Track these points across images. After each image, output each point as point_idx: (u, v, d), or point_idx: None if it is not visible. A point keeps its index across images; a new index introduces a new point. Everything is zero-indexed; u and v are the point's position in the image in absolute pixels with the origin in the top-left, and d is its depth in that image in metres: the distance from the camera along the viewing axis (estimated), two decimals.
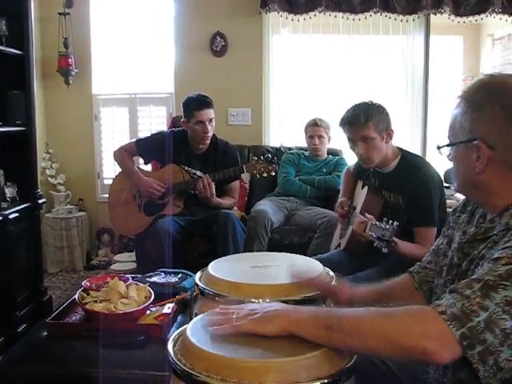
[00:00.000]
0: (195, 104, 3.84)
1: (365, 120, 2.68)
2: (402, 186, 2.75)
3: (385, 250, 2.42)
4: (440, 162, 3.36)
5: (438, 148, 1.50)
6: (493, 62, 5.44)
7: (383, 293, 1.75)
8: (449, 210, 2.62)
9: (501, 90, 1.35)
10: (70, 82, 5.13)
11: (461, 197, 2.31)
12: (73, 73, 5.12)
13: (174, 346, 1.28)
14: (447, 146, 1.47)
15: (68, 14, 5.04)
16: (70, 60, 5.07)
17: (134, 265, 4.40)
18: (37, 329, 2.39)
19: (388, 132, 2.76)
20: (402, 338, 1.14)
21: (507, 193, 1.36)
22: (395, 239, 2.44)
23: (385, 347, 1.17)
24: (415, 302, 1.66)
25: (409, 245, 2.59)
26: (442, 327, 1.12)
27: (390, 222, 2.39)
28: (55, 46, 5.06)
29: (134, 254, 4.44)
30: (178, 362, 1.20)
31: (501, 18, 4.93)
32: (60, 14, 5.02)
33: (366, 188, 2.93)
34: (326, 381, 1.15)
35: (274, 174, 3.80)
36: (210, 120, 3.84)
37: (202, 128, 3.83)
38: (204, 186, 3.69)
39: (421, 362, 1.50)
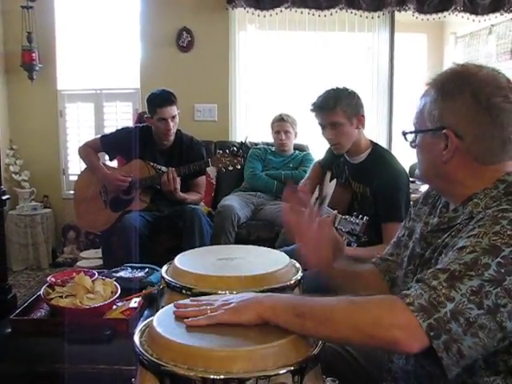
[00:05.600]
0: (157, 101, 3.82)
1: (333, 105, 2.67)
2: (370, 178, 2.75)
3: (354, 245, 2.42)
4: (406, 156, 3.42)
5: (404, 134, 1.50)
6: (456, 60, 5.51)
7: (358, 269, 1.75)
8: None
9: (473, 80, 1.34)
10: (34, 77, 5.05)
11: None
12: (37, 68, 5.03)
13: (140, 337, 1.27)
14: (414, 132, 1.47)
15: (31, 7, 4.95)
16: (33, 55, 4.99)
17: (101, 262, 4.35)
18: (0, 326, 2.34)
19: (358, 117, 2.74)
20: (371, 328, 1.15)
21: (471, 183, 1.36)
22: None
23: (355, 336, 1.18)
24: (382, 288, 1.68)
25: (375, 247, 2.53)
26: (411, 318, 1.12)
27: (360, 216, 2.39)
28: (18, 40, 4.97)
29: (100, 250, 4.39)
30: (144, 352, 1.19)
31: (462, 17, 5.03)
32: (23, 7, 4.93)
33: (334, 181, 2.93)
34: (292, 368, 1.15)
35: (239, 167, 3.80)
36: (173, 117, 3.83)
37: (164, 125, 3.82)
38: (169, 179, 3.67)
39: (390, 352, 1.51)
